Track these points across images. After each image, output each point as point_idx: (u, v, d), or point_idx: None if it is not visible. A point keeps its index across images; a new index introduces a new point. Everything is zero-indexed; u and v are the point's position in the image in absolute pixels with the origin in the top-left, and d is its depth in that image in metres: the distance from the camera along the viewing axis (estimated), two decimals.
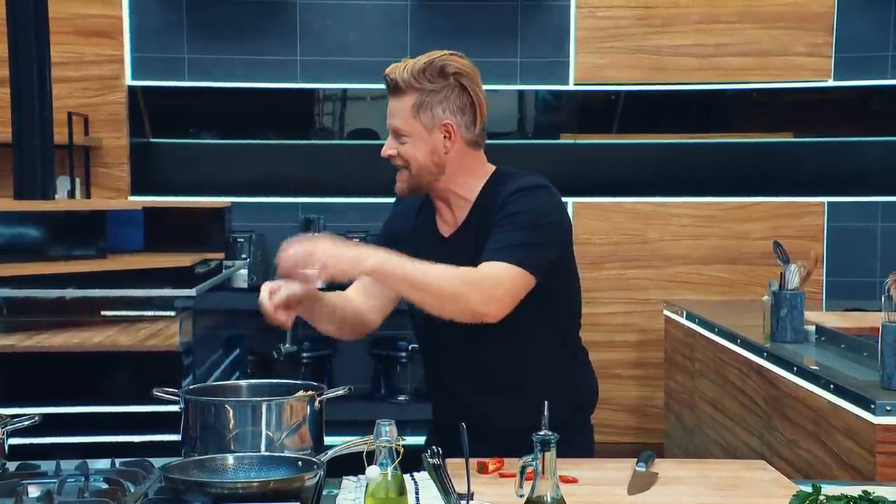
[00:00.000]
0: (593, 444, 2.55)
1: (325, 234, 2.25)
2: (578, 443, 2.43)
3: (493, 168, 2.43)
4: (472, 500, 1.76)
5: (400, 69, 2.37)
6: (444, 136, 2.34)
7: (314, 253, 2.16)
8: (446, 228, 2.43)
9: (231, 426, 2.05)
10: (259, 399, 2.12)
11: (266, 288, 2.23)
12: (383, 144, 2.44)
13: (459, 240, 2.38)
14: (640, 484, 2.09)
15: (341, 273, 2.18)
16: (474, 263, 2.26)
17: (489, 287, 2.21)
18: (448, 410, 2.45)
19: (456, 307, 2.21)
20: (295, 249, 2.19)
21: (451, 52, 2.37)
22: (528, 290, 2.27)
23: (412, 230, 2.48)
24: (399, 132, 2.37)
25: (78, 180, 5.31)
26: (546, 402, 1.70)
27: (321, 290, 2.30)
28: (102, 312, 4.25)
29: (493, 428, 2.27)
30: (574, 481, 2.08)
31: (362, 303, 2.45)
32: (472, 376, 2.41)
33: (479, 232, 2.34)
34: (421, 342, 2.56)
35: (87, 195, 5.41)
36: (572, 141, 5.65)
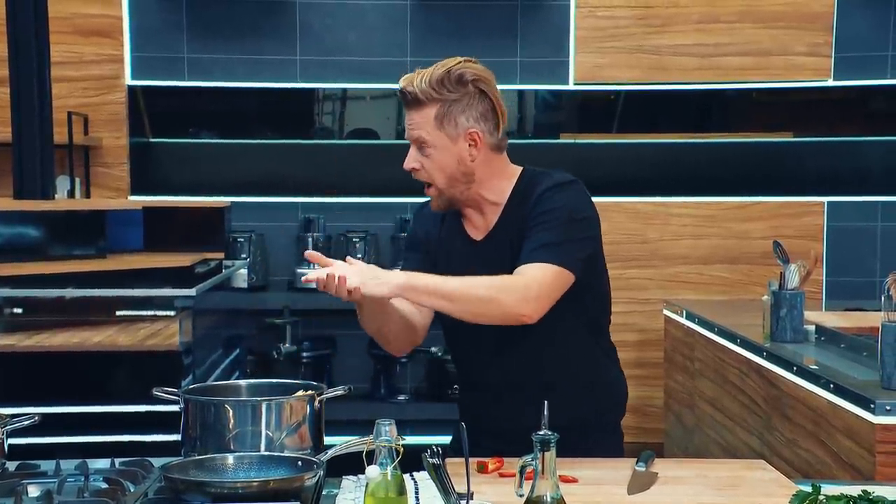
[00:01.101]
0: (623, 449, 2.54)
1: (353, 262, 2.23)
2: (608, 446, 2.42)
3: (519, 168, 2.43)
4: (471, 499, 1.76)
5: (417, 81, 2.32)
6: (470, 145, 2.33)
7: (346, 276, 2.16)
8: (477, 233, 2.42)
9: (231, 426, 2.05)
10: (259, 399, 2.12)
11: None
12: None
13: (492, 243, 2.38)
14: (639, 483, 2.09)
15: (371, 293, 2.18)
16: (509, 266, 2.26)
17: (522, 288, 2.21)
18: (479, 410, 2.44)
19: (491, 312, 2.21)
20: (326, 273, 2.17)
21: (464, 58, 2.35)
22: (566, 287, 2.27)
23: (438, 237, 2.46)
24: (423, 144, 2.34)
25: (78, 180, 5.31)
26: (546, 402, 1.70)
27: None
28: (102, 312, 4.25)
29: (523, 427, 2.27)
30: (574, 481, 2.08)
31: (408, 310, 2.41)
32: (506, 375, 2.39)
33: (514, 233, 2.34)
34: (452, 343, 2.53)
35: (87, 195, 5.41)
36: (572, 141, 5.65)
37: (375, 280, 2.18)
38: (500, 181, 2.39)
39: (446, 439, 2.55)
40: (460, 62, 2.33)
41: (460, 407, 2.55)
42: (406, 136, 2.39)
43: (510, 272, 2.26)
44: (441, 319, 2.44)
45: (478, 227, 2.42)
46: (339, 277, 2.16)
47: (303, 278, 2.23)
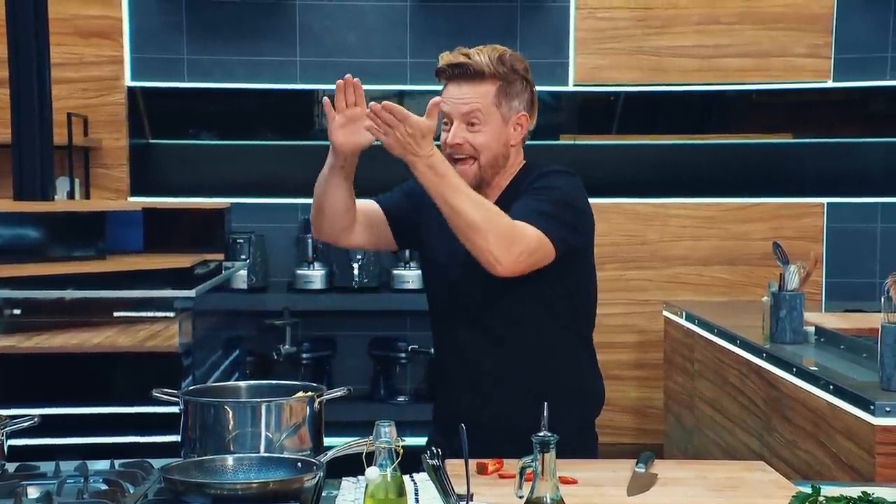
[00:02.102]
0: (597, 449, 2.54)
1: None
2: (582, 446, 2.43)
3: (524, 161, 2.47)
4: (471, 501, 1.76)
5: (478, 56, 2.33)
6: (515, 129, 2.37)
7: (403, 119, 2.15)
8: None
9: (230, 427, 2.05)
10: (258, 400, 2.12)
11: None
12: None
13: None
14: (639, 485, 2.09)
15: (401, 146, 2.18)
16: None
17: (510, 237, 2.20)
18: (453, 409, 2.44)
19: (476, 242, 2.20)
20: (393, 108, 2.17)
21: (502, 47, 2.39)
22: (545, 260, 2.27)
23: (433, 204, 2.47)
24: (475, 119, 2.34)
25: (77, 181, 5.31)
26: (546, 403, 1.70)
27: None
28: (102, 314, 4.25)
29: (504, 425, 2.27)
30: (573, 482, 2.08)
31: (361, 214, 2.46)
32: (486, 365, 2.40)
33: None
34: (436, 339, 2.55)
35: (87, 196, 5.41)
36: (572, 142, 5.65)
37: (403, 147, 2.19)
38: (512, 169, 2.43)
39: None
40: (507, 50, 2.38)
41: (436, 408, 2.55)
42: (448, 110, 2.36)
43: None
44: (430, 313, 2.47)
45: None
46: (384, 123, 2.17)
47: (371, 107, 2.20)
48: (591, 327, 2.52)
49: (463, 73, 2.34)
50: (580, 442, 2.41)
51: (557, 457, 1.63)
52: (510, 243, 2.20)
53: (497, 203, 2.35)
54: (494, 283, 2.26)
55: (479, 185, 2.37)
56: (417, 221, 2.49)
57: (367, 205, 2.52)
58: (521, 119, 2.38)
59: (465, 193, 2.21)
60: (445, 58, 2.37)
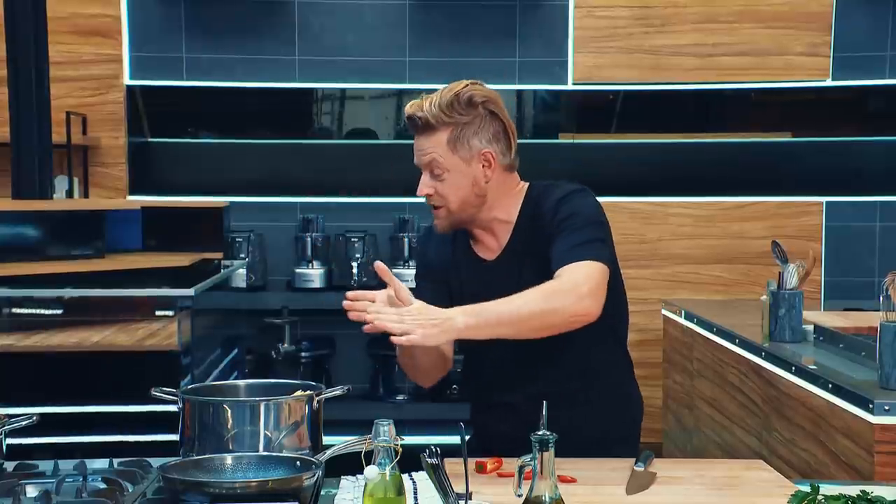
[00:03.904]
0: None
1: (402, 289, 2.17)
2: (629, 451, 2.39)
3: (525, 184, 2.43)
4: (470, 499, 1.76)
5: (427, 106, 2.31)
6: (483, 166, 2.33)
7: (404, 318, 2.11)
8: (488, 253, 2.42)
9: (229, 426, 2.05)
10: (257, 399, 2.12)
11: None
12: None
13: (505, 263, 2.37)
14: (638, 483, 2.09)
15: (435, 342, 2.13)
16: (519, 286, 2.22)
17: (573, 287, 2.19)
18: (495, 419, 2.43)
19: (553, 321, 2.19)
20: (384, 314, 2.11)
21: (469, 81, 2.34)
22: (607, 282, 2.26)
23: (451, 260, 2.45)
24: (437, 168, 2.33)
25: (76, 180, 5.30)
26: (545, 402, 1.70)
27: None
28: (100, 312, 4.24)
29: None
30: (572, 481, 2.08)
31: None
32: (532, 392, 2.34)
33: (527, 250, 2.33)
34: (474, 367, 2.51)
35: (86, 195, 5.41)
36: (571, 140, 5.65)
37: (435, 327, 2.11)
38: (509, 199, 2.39)
39: (445, 439, 2.55)
40: (467, 85, 2.33)
41: (475, 426, 2.51)
42: (416, 162, 2.37)
43: (522, 290, 2.21)
44: (462, 348, 2.41)
45: (489, 247, 2.41)
46: (390, 321, 2.09)
47: (349, 313, 2.16)
48: (626, 328, 2.51)
49: (417, 127, 2.33)
50: (627, 448, 2.40)
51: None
52: (579, 293, 2.18)
53: (514, 238, 2.36)
54: None
55: (458, 226, 2.37)
56: (449, 285, 2.46)
57: None
58: (487, 155, 2.33)
59: (511, 308, 2.17)
60: (405, 110, 2.35)
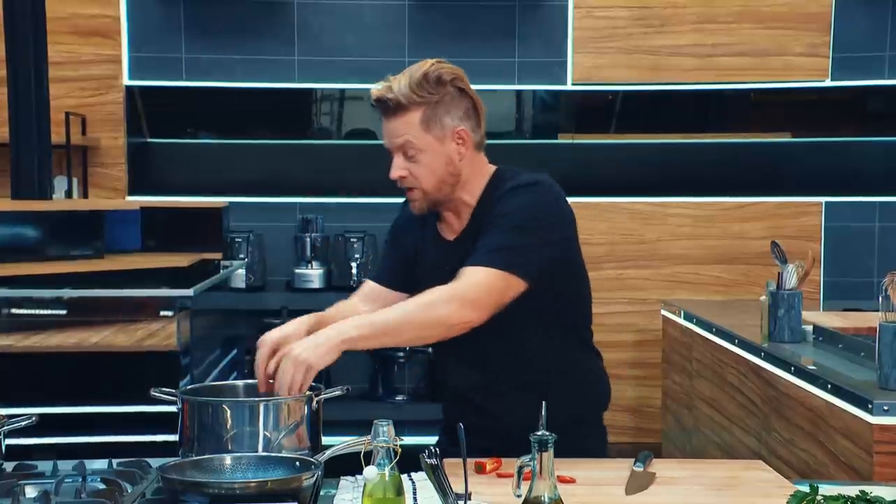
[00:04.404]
0: (606, 446, 2.54)
1: (287, 329, 2.23)
2: (591, 442, 2.44)
3: (493, 168, 2.43)
4: (469, 500, 1.76)
5: (396, 87, 2.30)
6: (457, 143, 2.33)
7: (291, 359, 2.09)
8: (450, 234, 2.43)
9: (229, 426, 2.05)
10: (257, 399, 2.12)
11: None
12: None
13: (462, 244, 2.37)
14: (637, 484, 2.09)
15: (324, 364, 2.12)
16: None
17: (459, 296, 2.20)
18: (458, 410, 2.44)
19: (436, 330, 2.22)
20: (279, 376, 2.10)
21: (434, 60, 2.34)
22: (514, 292, 2.25)
23: (419, 236, 2.48)
24: (410, 149, 2.32)
25: (75, 180, 5.31)
26: (545, 402, 1.70)
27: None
28: (100, 313, 4.24)
29: (503, 426, 2.27)
30: (571, 481, 2.08)
31: (370, 310, 2.41)
32: (480, 375, 2.41)
33: (479, 236, 2.34)
34: (438, 354, 2.56)
35: (85, 195, 5.41)
36: (570, 141, 5.65)
37: (318, 349, 2.11)
38: (476, 180, 2.39)
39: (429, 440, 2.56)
40: (433, 63, 2.32)
41: (442, 407, 2.56)
42: (387, 145, 2.37)
43: None
44: (433, 348, 2.47)
45: (452, 227, 2.43)
46: (283, 376, 2.09)
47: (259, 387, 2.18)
48: (587, 326, 2.51)
49: (387, 109, 2.33)
50: (580, 436, 2.40)
51: (558, 452, 1.63)
52: (463, 301, 2.19)
53: (473, 220, 2.36)
54: None
55: (433, 207, 2.38)
56: (413, 261, 2.49)
57: (371, 291, 2.51)
58: (461, 133, 2.33)
59: (392, 316, 2.21)
60: (372, 93, 2.35)
